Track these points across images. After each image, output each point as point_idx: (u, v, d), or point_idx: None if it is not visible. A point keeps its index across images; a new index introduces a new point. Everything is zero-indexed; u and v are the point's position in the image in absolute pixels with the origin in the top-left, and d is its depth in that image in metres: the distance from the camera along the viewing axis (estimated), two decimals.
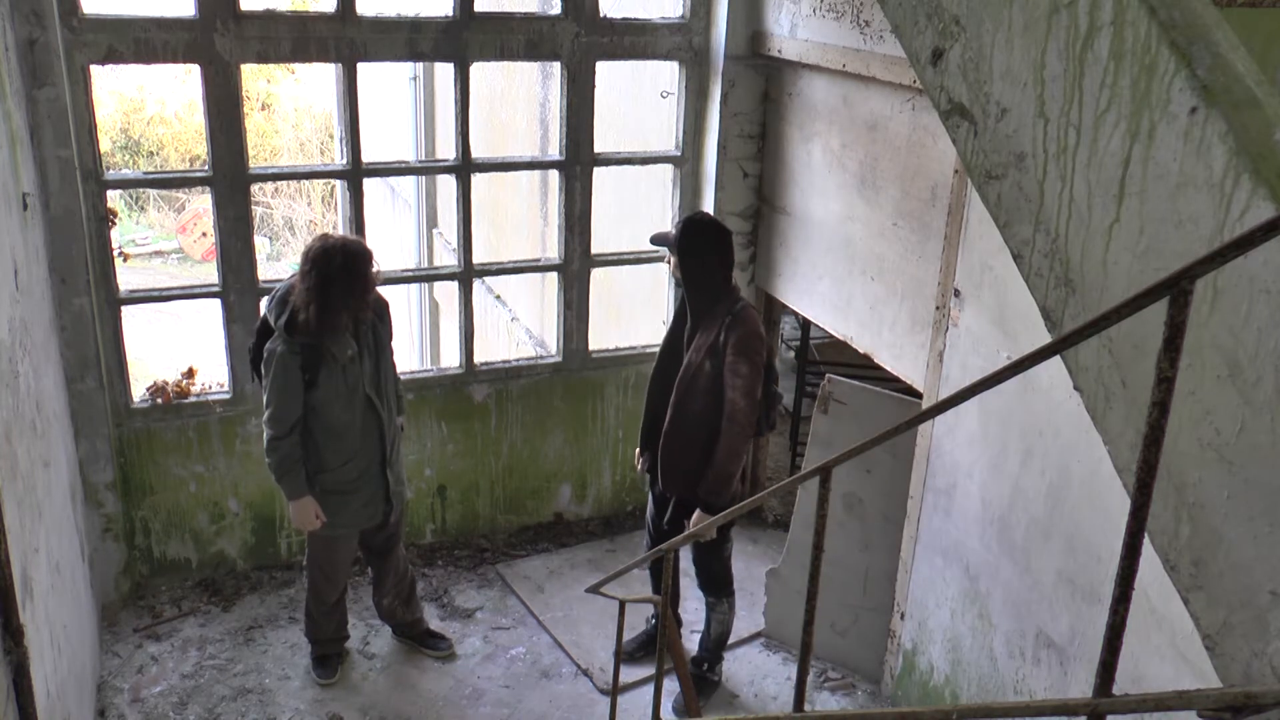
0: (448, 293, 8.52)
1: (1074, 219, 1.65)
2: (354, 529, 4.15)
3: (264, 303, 3.96)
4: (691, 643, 4.57)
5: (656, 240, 4.09)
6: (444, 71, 7.88)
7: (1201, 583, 1.51)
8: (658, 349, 4.24)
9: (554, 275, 5.40)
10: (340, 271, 3.66)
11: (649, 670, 4.21)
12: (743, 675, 4.56)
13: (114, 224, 4.52)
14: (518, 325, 7.67)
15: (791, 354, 7.57)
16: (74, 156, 4.14)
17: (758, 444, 5.76)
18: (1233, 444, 1.44)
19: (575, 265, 5.25)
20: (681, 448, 3.97)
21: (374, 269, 3.78)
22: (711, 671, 4.43)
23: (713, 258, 3.92)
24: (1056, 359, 1.50)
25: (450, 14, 4.64)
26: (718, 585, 4.28)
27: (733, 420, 3.83)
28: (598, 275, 5.40)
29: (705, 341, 3.87)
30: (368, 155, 4.80)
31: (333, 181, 14.17)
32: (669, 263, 4.02)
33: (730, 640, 4.60)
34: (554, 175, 5.28)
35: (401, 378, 4.39)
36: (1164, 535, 1.56)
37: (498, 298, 8.09)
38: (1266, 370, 1.38)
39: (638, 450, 4.33)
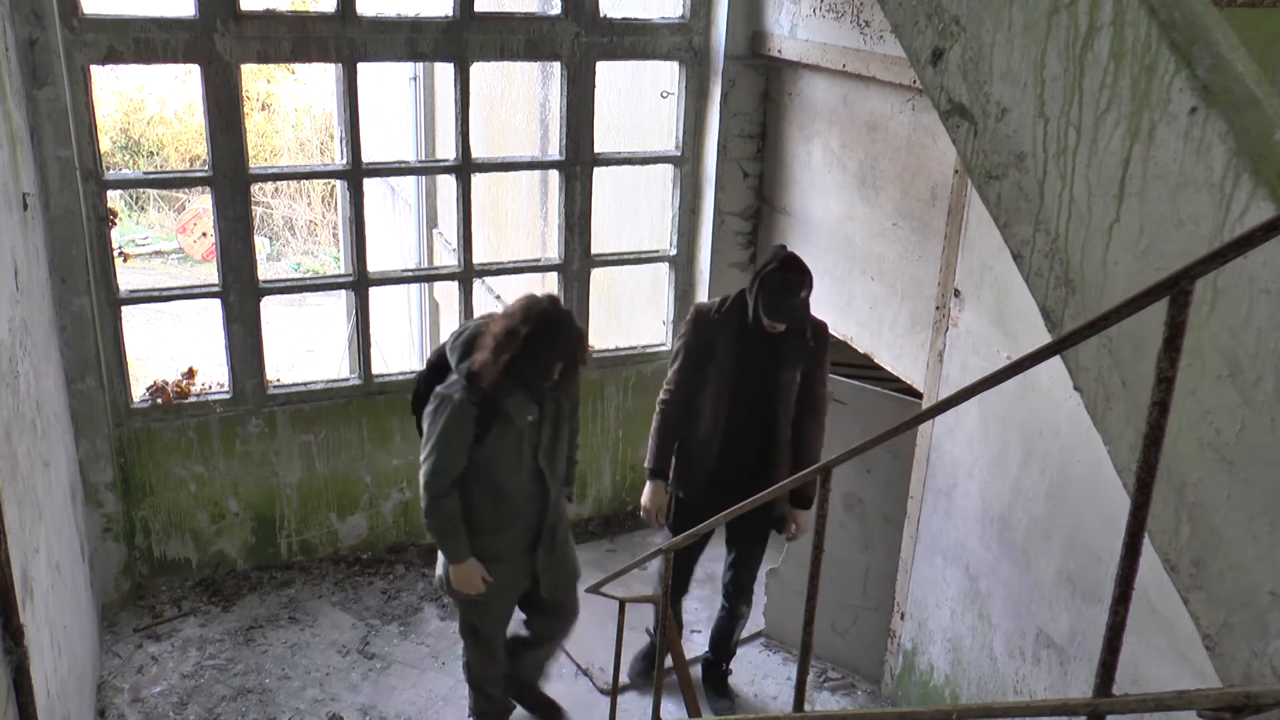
0: (448, 293, 8.52)
1: (1074, 219, 1.65)
2: (498, 601, 3.72)
3: (446, 337, 3.53)
4: (690, 643, 4.57)
5: (796, 314, 3.68)
6: (444, 71, 7.88)
7: (1201, 583, 1.51)
8: (662, 353, 4.10)
9: (554, 275, 5.40)
10: (550, 342, 3.28)
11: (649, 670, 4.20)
12: (743, 675, 4.56)
13: (114, 224, 4.52)
14: None
15: None
16: (74, 156, 4.14)
17: None
18: (1233, 444, 1.45)
19: (575, 265, 5.25)
20: (788, 458, 3.87)
21: (586, 350, 3.44)
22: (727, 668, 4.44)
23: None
24: (1056, 359, 1.50)
25: (450, 14, 4.64)
26: (753, 587, 4.27)
27: (824, 411, 3.90)
28: (598, 275, 5.40)
29: (797, 354, 3.79)
30: (368, 155, 4.79)
31: (333, 181, 14.18)
32: (773, 324, 3.65)
33: None
34: (554, 175, 5.28)
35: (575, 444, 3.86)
36: (1164, 535, 1.56)
37: (498, 298, 8.08)
38: (1266, 370, 1.38)
39: (660, 489, 3.96)
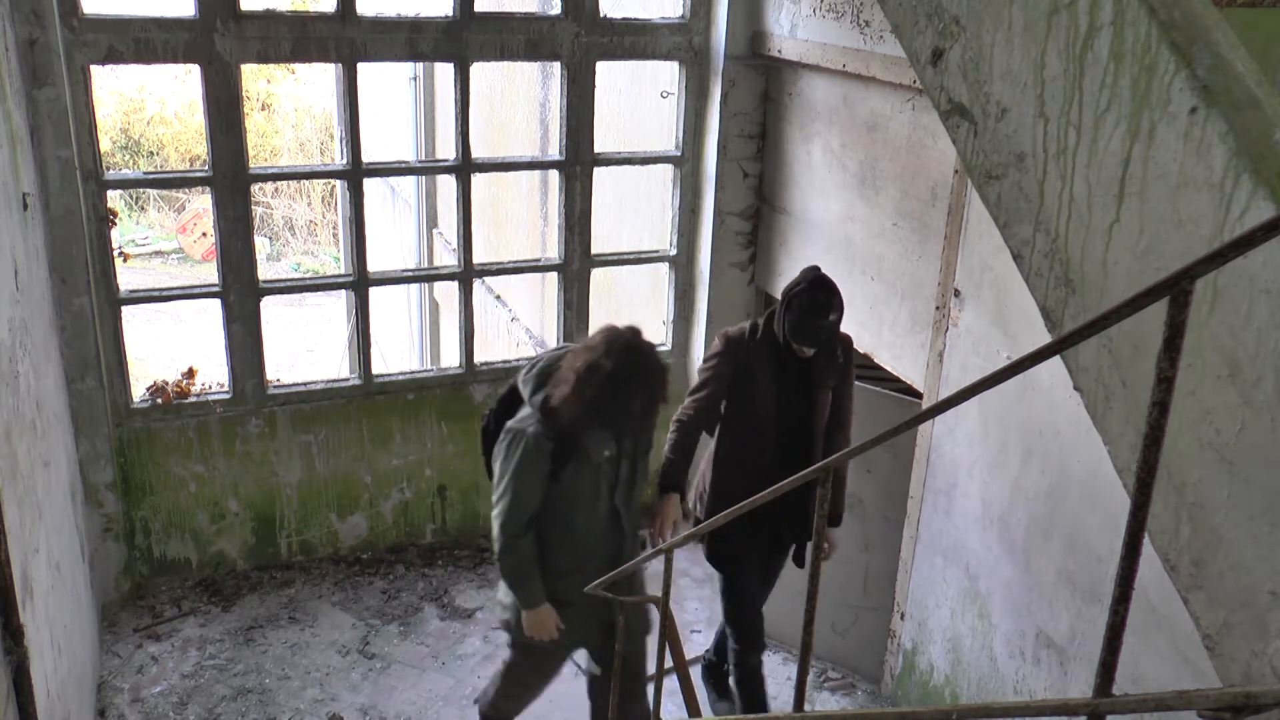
0: (448, 293, 8.53)
1: (1074, 219, 1.65)
2: (559, 650, 3.50)
3: (521, 370, 3.32)
4: (690, 643, 4.57)
5: (823, 336, 3.55)
6: (444, 71, 7.88)
7: (1201, 583, 1.51)
8: (661, 353, 3.80)
9: (554, 275, 5.40)
10: (634, 378, 3.10)
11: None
12: None
13: (114, 224, 4.52)
14: (518, 325, 7.68)
15: None
16: (74, 156, 4.14)
17: None
18: (1233, 444, 1.44)
19: (575, 265, 5.25)
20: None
21: (660, 399, 3.23)
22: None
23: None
24: (1056, 359, 1.50)
25: (450, 14, 4.64)
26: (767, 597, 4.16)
27: (849, 425, 3.80)
28: (598, 275, 5.40)
29: (828, 372, 3.69)
30: (368, 155, 4.80)
31: (333, 181, 14.18)
32: (801, 348, 3.56)
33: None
34: (554, 175, 5.29)
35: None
36: (1164, 535, 1.56)
37: (498, 298, 8.09)
38: (1266, 370, 1.38)
39: (675, 503, 3.66)
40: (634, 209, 6.12)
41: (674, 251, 5.43)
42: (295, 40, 4.43)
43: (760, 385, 3.68)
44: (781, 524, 3.80)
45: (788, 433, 3.72)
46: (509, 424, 3.22)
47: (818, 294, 3.49)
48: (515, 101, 7.85)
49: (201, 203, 16.83)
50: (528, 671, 3.56)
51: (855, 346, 4.57)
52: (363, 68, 4.59)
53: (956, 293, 3.81)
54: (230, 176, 4.50)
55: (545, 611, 3.31)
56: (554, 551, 3.29)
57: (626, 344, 3.10)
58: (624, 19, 4.99)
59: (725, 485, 3.80)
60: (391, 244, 10.65)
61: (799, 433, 3.73)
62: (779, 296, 5.21)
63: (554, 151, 5.30)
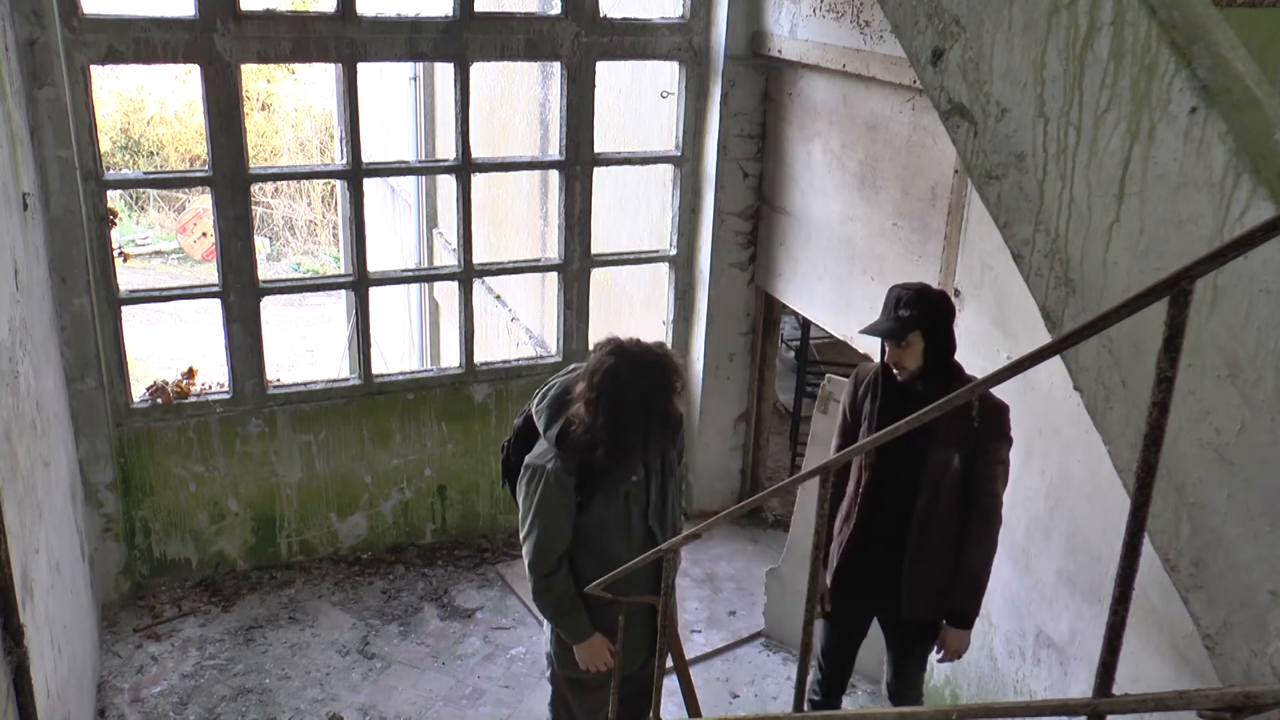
0: (448, 293, 8.53)
1: (1074, 219, 1.65)
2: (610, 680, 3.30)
3: (534, 399, 3.16)
4: (690, 643, 4.57)
5: (881, 332, 3.16)
6: (444, 71, 7.88)
7: (1201, 583, 1.51)
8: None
9: (554, 275, 5.40)
10: (639, 400, 2.90)
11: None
12: (743, 675, 4.56)
13: (114, 224, 4.52)
14: (518, 325, 7.68)
15: (791, 354, 7.58)
16: (74, 156, 4.14)
17: (758, 444, 5.76)
18: (1233, 444, 1.45)
19: (575, 265, 5.25)
20: (933, 559, 3.24)
21: (678, 386, 3.00)
22: None
23: (952, 331, 3.19)
24: (1056, 359, 1.50)
25: (450, 14, 4.64)
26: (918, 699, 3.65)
27: (992, 515, 3.19)
28: (598, 275, 5.40)
29: (951, 431, 3.12)
30: (368, 155, 4.80)
31: (333, 181, 14.18)
32: (889, 351, 3.16)
33: (730, 640, 4.59)
34: (554, 175, 5.29)
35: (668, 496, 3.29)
36: (1164, 535, 1.56)
37: (498, 298, 8.09)
38: (1266, 370, 1.38)
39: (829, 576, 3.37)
40: (634, 209, 6.12)
41: (674, 251, 5.44)
42: (295, 40, 4.43)
43: (863, 422, 3.32)
44: (870, 588, 3.40)
45: (886, 488, 3.28)
46: (528, 459, 3.08)
47: (898, 288, 3.20)
48: (515, 101, 7.85)
49: (201, 203, 16.84)
50: (572, 700, 3.42)
51: (858, 347, 4.57)
52: (363, 68, 4.59)
53: (956, 293, 3.81)
54: (230, 176, 4.50)
55: (597, 641, 3.18)
56: (589, 580, 3.08)
57: (607, 372, 2.90)
58: (624, 19, 4.99)
59: (833, 542, 3.43)
60: (391, 244, 10.65)
61: (900, 493, 3.24)
62: (779, 297, 5.22)
63: (554, 151, 5.30)
